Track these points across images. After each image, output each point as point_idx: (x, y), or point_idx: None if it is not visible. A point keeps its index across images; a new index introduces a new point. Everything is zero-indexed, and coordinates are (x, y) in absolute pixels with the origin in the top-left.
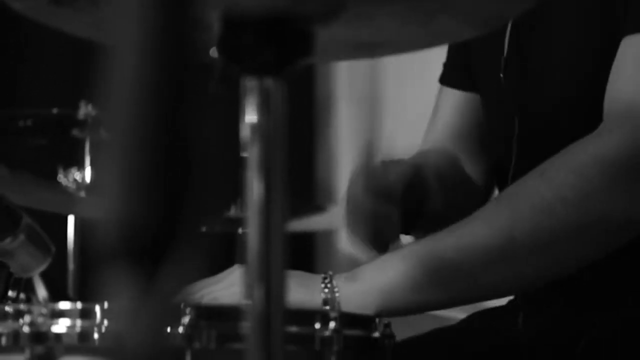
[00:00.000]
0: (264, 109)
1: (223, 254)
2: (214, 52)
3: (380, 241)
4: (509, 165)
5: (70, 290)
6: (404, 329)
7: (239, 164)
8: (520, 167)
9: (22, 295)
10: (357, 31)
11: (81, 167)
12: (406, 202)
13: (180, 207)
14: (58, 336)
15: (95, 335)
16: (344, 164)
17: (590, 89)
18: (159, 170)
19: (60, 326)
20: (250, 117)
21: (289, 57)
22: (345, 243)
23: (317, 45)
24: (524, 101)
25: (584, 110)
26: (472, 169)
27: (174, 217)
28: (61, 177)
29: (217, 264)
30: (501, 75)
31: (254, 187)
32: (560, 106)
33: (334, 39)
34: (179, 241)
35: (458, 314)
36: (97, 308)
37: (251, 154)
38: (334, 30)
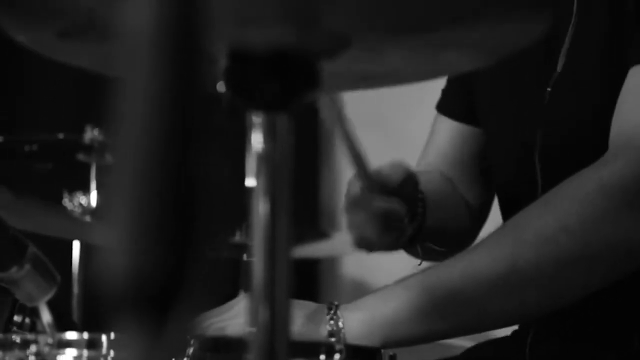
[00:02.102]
0: (270, 140)
1: (228, 280)
2: (221, 86)
3: (389, 236)
4: (527, 188)
5: (75, 315)
6: (408, 358)
7: (245, 192)
8: (542, 188)
9: (27, 321)
10: (362, 64)
11: (87, 191)
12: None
13: (189, 250)
14: None
15: None
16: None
17: (606, 114)
18: (165, 207)
19: (67, 356)
20: (257, 147)
21: (295, 92)
22: (350, 269)
23: (322, 78)
24: (551, 119)
25: (606, 132)
26: (466, 193)
27: (182, 259)
28: (66, 202)
29: (222, 290)
30: (548, 89)
31: (259, 215)
32: (581, 130)
33: (339, 72)
34: (188, 286)
35: (464, 342)
36: (104, 338)
37: (257, 183)
38: (340, 63)
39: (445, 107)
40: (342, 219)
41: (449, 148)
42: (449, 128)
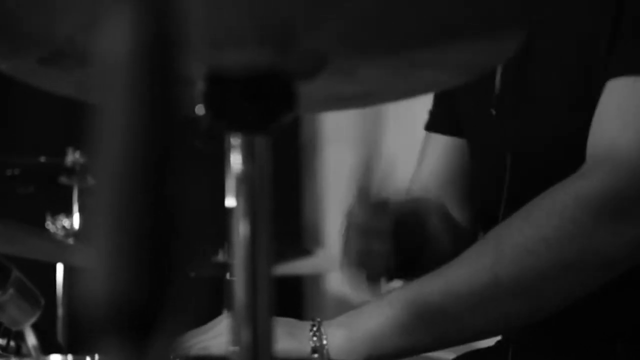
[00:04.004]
0: (249, 161)
1: (211, 298)
2: (199, 109)
3: (370, 266)
4: (498, 204)
5: (60, 337)
6: None
7: (225, 212)
8: (511, 205)
9: (12, 344)
10: (339, 85)
11: (69, 214)
12: (402, 241)
13: (169, 272)
14: None
15: None
16: (330, 207)
17: (580, 129)
18: (145, 230)
19: None
20: (236, 168)
21: (273, 113)
22: (333, 285)
23: (300, 99)
24: (515, 138)
25: (576, 150)
26: (458, 214)
27: (162, 282)
28: (49, 225)
29: (205, 309)
30: (492, 111)
31: (240, 235)
32: (552, 145)
33: (317, 93)
34: (168, 308)
35: (446, 354)
36: None
37: (237, 204)
38: (316, 85)
39: (435, 124)
40: (329, 239)
41: (442, 166)
42: (440, 145)
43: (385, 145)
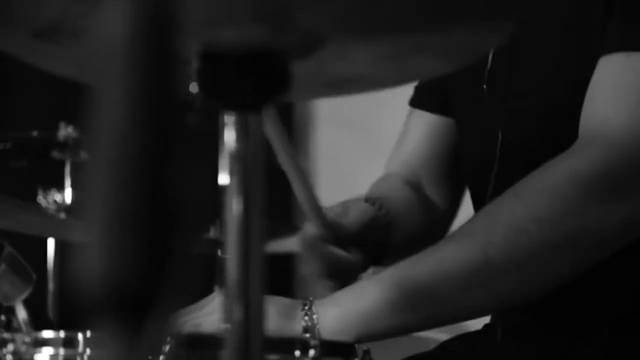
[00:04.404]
0: (243, 139)
1: (203, 275)
2: (193, 87)
3: (342, 279)
4: (488, 183)
5: (51, 312)
6: (383, 353)
7: (219, 190)
8: (501, 183)
9: (3, 319)
10: (333, 68)
11: (61, 189)
12: (370, 238)
13: (164, 251)
14: None
15: None
16: (322, 185)
17: (571, 105)
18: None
19: (44, 355)
20: (230, 146)
21: (267, 92)
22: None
23: (294, 81)
24: (506, 114)
25: (567, 125)
26: (437, 192)
27: (157, 261)
28: (41, 199)
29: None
30: (484, 86)
31: (233, 213)
32: (543, 121)
33: (310, 75)
34: (163, 288)
35: (437, 335)
36: (80, 336)
37: (230, 181)
38: (311, 65)
39: (419, 101)
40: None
41: (424, 143)
42: (423, 122)
43: (349, 151)
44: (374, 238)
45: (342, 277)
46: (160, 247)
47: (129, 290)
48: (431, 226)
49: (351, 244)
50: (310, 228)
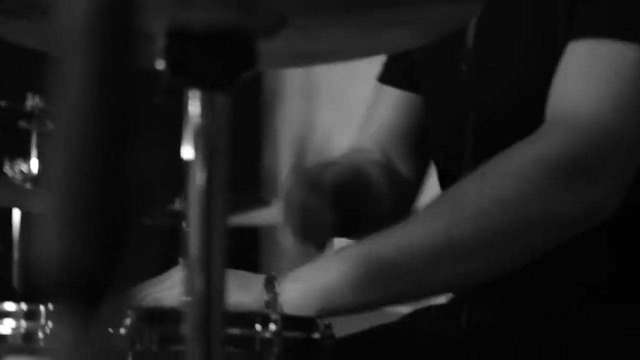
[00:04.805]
0: (207, 115)
1: (166, 247)
2: (159, 64)
3: (313, 238)
4: (460, 163)
5: (15, 282)
6: (345, 326)
7: (182, 164)
8: (472, 162)
9: None
10: (301, 43)
11: (27, 159)
12: (344, 204)
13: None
14: (3, 337)
15: (40, 336)
16: (289, 158)
17: (542, 90)
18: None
19: (5, 327)
20: (194, 121)
21: (234, 70)
22: (287, 238)
23: (261, 57)
24: (482, 95)
25: (538, 109)
26: (405, 167)
27: (116, 239)
28: (7, 169)
29: (160, 258)
30: (463, 66)
31: (196, 187)
32: (515, 104)
33: (277, 50)
34: (123, 267)
35: (401, 308)
36: (42, 309)
37: (194, 156)
38: (278, 42)
39: (388, 76)
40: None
41: (392, 119)
42: (391, 97)
43: (319, 120)
44: (348, 204)
45: (314, 236)
46: (118, 221)
47: (86, 264)
48: (400, 199)
49: (323, 201)
50: (292, 178)
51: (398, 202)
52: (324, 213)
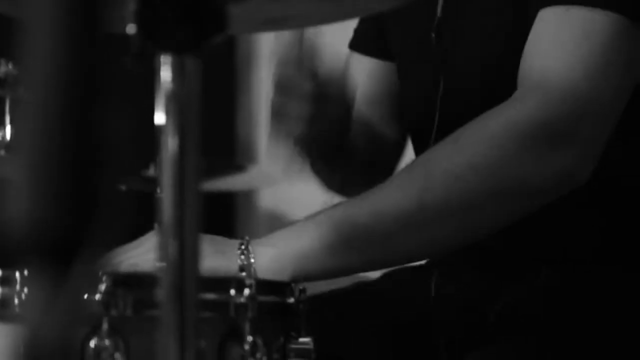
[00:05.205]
0: (179, 80)
1: (141, 213)
2: (130, 28)
3: (290, 117)
4: (430, 129)
5: None
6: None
7: (155, 129)
8: (442, 130)
9: None
10: (270, 7)
11: (1, 125)
12: (326, 107)
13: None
14: None
15: (16, 302)
16: (264, 123)
17: (512, 57)
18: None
19: None
20: (165, 86)
21: (204, 35)
22: (265, 202)
23: (231, 20)
24: (450, 63)
25: (508, 76)
26: (385, 130)
27: (87, 202)
28: None
29: (135, 224)
30: (433, 35)
31: (168, 152)
32: (485, 71)
33: (248, 14)
34: (93, 230)
35: (374, 274)
36: (17, 275)
37: (166, 121)
38: (248, 6)
39: (359, 45)
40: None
41: (367, 87)
42: (365, 66)
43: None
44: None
45: (290, 116)
46: (88, 185)
47: (56, 227)
48: (382, 158)
49: (308, 97)
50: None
51: (381, 161)
52: (305, 97)
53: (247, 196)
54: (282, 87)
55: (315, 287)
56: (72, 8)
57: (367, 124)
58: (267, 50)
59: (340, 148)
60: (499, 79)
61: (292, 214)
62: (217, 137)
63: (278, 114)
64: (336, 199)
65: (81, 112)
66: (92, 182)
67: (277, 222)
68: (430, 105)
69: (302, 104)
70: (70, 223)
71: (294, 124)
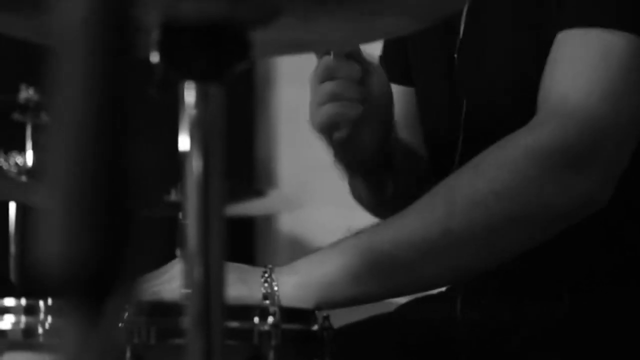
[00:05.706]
0: (202, 106)
1: (164, 238)
2: (154, 56)
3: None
4: (453, 153)
5: (13, 276)
6: (343, 317)
7: (179, 156)
8: (467, 152)
9: None
10: (293, 32)
11: (22, 151)
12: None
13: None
14: (2, 332)
15: (40, 331)
16: (284, 147)
17: (536, 75)
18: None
19: (5, 322)
20: (190, 113)
21: (227, 62)
22: (285, 226)
23: (255, 47)
24: (473, 85)
25: (532, 96)
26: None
27: (117, 238)
28: (2, 162)
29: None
30: (455, 55)
31: (193, 179)
32: (508, 93)
33: (271, 40)
34: (126, 266)
35: (398, 300)
36: (42, 304)
37: (190, 148)
38: (272, 32)
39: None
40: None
41: (400, 111)
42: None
43: None
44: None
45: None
46: (120, 215)
47: (91, 260)
48: (418, 175)
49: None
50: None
51: (418, 177)
52: (351, 106)
53: (267, 221)
54: (330, 71)
55: (338, 315)
56: (100, 36)
57: (408, 145)
58: (284, 71)
59: (380, 164)
60: (522, 99)
61: (312, 239)
62: (236, 160)
63: (332, 96)
64: (356, 223)
65: (109, 140)
66: (125, 212)
67: (297, 247)
68: (452, 127)
69: (354, 86)
70: (103, 253)
71: (349, 108)
